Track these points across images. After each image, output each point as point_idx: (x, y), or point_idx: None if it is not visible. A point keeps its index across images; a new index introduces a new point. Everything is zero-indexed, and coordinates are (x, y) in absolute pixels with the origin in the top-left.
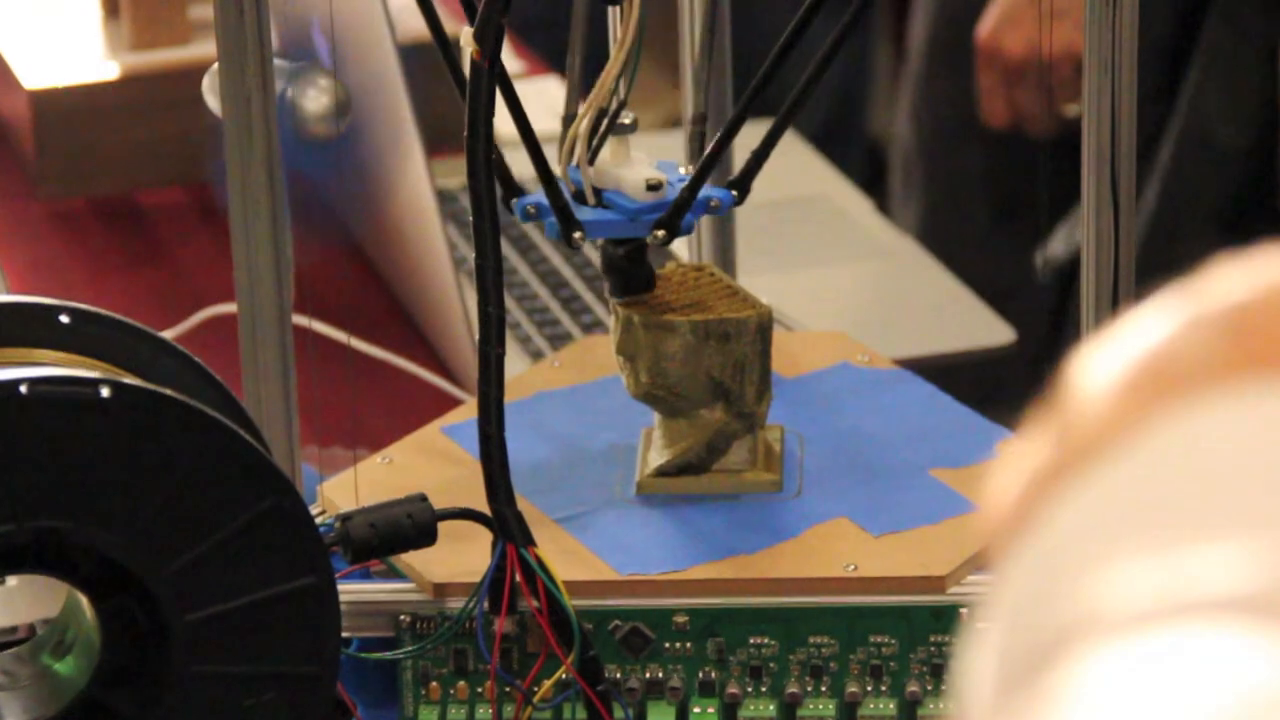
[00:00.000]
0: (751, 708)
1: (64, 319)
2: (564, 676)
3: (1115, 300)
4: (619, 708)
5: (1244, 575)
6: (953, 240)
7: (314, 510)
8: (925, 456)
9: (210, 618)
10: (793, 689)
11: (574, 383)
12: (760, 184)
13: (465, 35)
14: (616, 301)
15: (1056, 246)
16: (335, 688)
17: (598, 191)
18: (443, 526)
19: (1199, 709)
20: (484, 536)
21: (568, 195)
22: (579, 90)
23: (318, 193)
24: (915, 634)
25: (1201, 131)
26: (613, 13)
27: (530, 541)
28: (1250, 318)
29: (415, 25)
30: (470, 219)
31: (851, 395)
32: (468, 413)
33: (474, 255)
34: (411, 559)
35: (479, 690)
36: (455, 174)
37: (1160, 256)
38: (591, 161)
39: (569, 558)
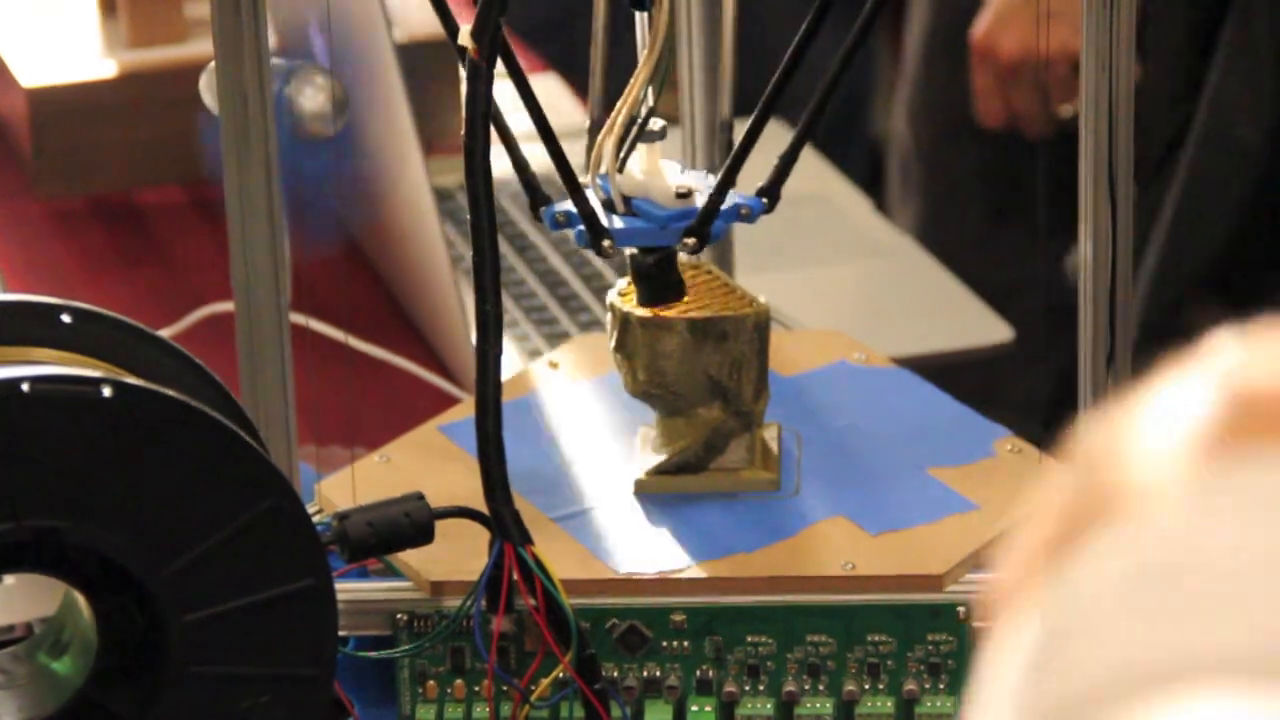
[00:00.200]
0: (749, 706)
1: (65, 318)
2: (561, 675)
3: (1113, 299)
4: (616, 706)
5: (1245, 639)
6: (950, 239)
7: (311, 509)
8: (923, 455)
9: (208, 618)
10: (790, 687)
11: (571, 381)
12: (758, 182)
13: (463, 34)
14: (614, 300)
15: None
16: (332, 690)
17: (626, 199)
18: (440, 525)
19: None
20: (481, 535)
21: (596, 203)
22: (601, 99)
23: (315, 191)
24: (913, 632)
25: (1222, 129)
26: (640, 18)
27: (528, 540)
28: (1261, 397)
29: (414, 25)
30: (468, 217)
31: (849, 394)
32: (465, 411)
33: (471, 254)
34: (409, 558)
35: (476, 689)
36: (452, 172)
37: (1182, 254)
38: (620, 169)
39: (566, 556)
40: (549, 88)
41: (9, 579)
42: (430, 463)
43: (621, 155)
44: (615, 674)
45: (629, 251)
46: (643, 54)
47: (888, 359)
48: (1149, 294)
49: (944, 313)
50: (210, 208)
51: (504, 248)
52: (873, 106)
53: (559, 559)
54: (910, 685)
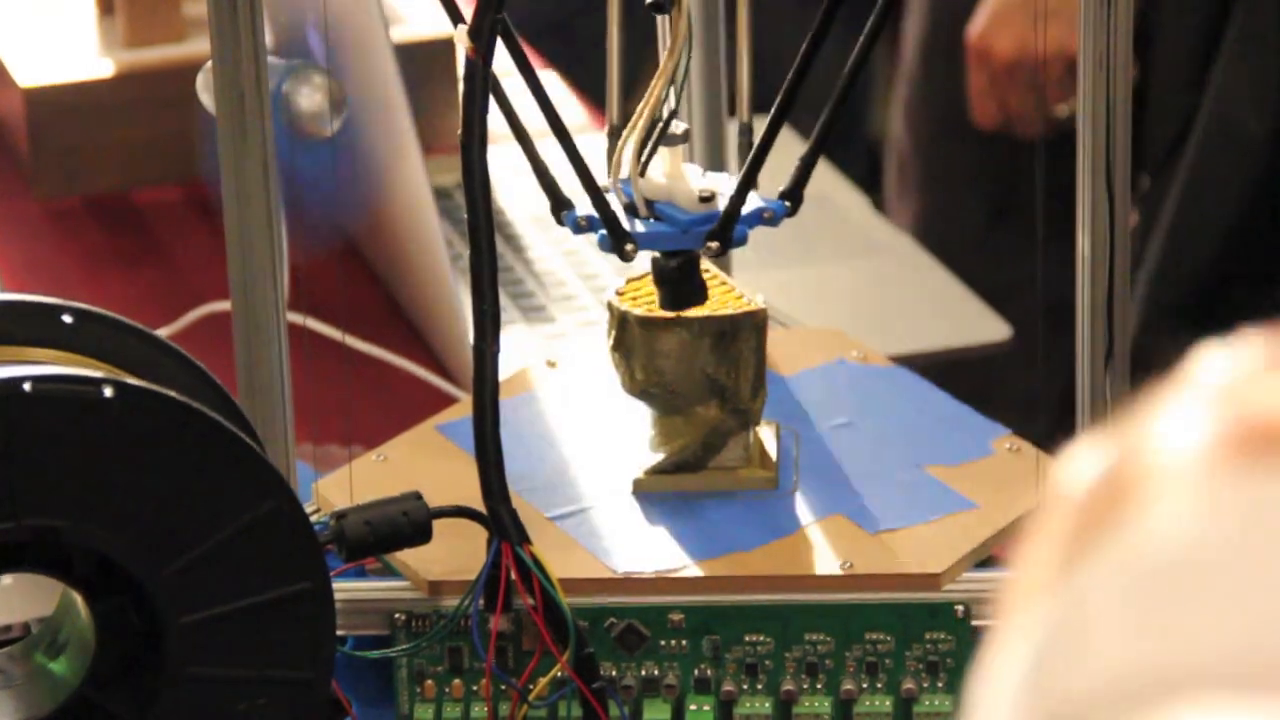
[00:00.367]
0: (747, 705)
1: (66, 319)
2: (559, 674)
3: (1111, 297)
4: (614, 705)
5: (1248, 648)
6: (949, 238)
7: (309, 508)
8: (921, 454)
9: (206, 620)
10: (788, 686)
11: (569, 381)
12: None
13: (460, 33)
14: (612, 299)
15: None
16: (329, 692)
17: (649, 203)
18: (438, 524)
19: None
20: (479, 534)
21: (618, 207)
22: (619, 103)
23: (313, 191)
24: (911, 631)
25: (1228, 119)
26: (661, 21)
27: (525, 539)
28: (1249, 408)
29: (413, 24)
30: (465, 217)
31: (847, 392)
32: (463, 410)
33: (469, 253)
34: (406, 557)
35: (474, 688)
36: (451, 172)
37: (1187, 246)
38: (642, 173)
39: (564, 555)
40: (550, 86)
41: (7, 579)
42: (428, 462)
43: (643, 159)
44: (613, 673)
45: (651, 255)
46: (663, 57)
47: (886, 357)
48: (1153, 286)
49: (942, 311)
50: (208, 207)
51: (501, 247)
52: (871, 106)
53: (557, 558)
54: (908, 684)
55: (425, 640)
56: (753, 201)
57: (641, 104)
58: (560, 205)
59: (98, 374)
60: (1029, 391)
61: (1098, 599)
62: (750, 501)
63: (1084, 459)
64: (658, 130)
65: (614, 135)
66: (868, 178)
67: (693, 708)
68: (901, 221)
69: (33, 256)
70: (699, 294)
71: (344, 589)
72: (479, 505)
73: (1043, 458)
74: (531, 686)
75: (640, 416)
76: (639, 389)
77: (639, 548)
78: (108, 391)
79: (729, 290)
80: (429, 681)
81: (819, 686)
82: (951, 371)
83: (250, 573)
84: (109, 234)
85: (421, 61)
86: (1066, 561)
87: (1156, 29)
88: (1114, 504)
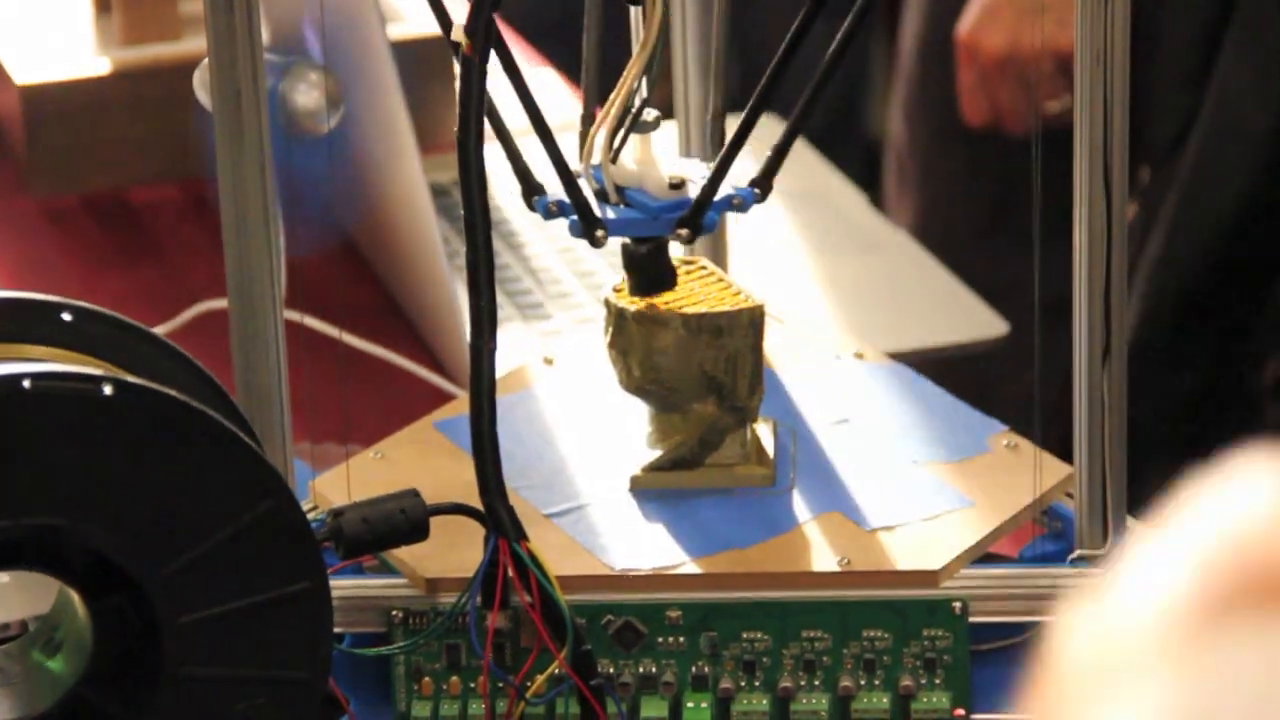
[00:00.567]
0: (745, 702)
1: (66, 316)
2: (557, 671)
3: (1108, 295)
4: (612, 703)
5: None
6: (946, 235)
7: (306, 505)
8: (918, 450)
9: (203, 620)
10: (786, 683)
11: (566, 377)
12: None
13: (456, 30)
14: (609, 296)
15: None
16: (326, 693)
17: (620, 190)
18: (435, 522)
19: None
20: (477, 531)
21: (589, 194)
22: (595, 90)
23: (310, 188)
24: (908, 628)
25: (1231, 113)
26: (635, 12)
27: (522, 536)
28: (1246, 557)
29: (410, 22)
30: (462, 214)
31: (844, 389)
32: (460, 407)
33: (465, 250)
34: (404, 554)
35: (472, 685)
36: (448, 169)
37: (1188, 239)
38: (614, 160)
39: (562, 552)
40: (548, 83)
41: (4, 576)
42: (425, 459)
43: (615, 146)
44: (611, 670)
45: (622, 242)
46: (636, 46)
47: (883, 354)
48: (1154, 279)
49: (940, 308)
50: (205, 205)
51: (498, 244)
52: (869, 103)
53: (554, 555)
54: (906, 681)
55: (423, 637)
56: (723, 189)
57: (614, 92)
58: (532, 190)
59: (98, 372)
60: (1026, 388)
61: None
62: (747, 498)
63: (1077, 627)
64: (629, 118)
65: (587, 122)
66: (866, 175)
67: (690, 705)
68: (900, 219)
69: (29, 254)
70: (668, 280)
71: (341, 586)
72: (476, 502)
73: (1040, 454)
74: (529, 684)
75: (637, 414)
76: (636, 386)
77: (636, 545)
78: (107, 390)
79: (726, 287)
80: (426, 679)
81: (816, 683)
82: (949, 368)
83: (248, 573)
84: (106, 232)
85: (419, 59)
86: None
87: (1160, 22)
88: (1105, 683)
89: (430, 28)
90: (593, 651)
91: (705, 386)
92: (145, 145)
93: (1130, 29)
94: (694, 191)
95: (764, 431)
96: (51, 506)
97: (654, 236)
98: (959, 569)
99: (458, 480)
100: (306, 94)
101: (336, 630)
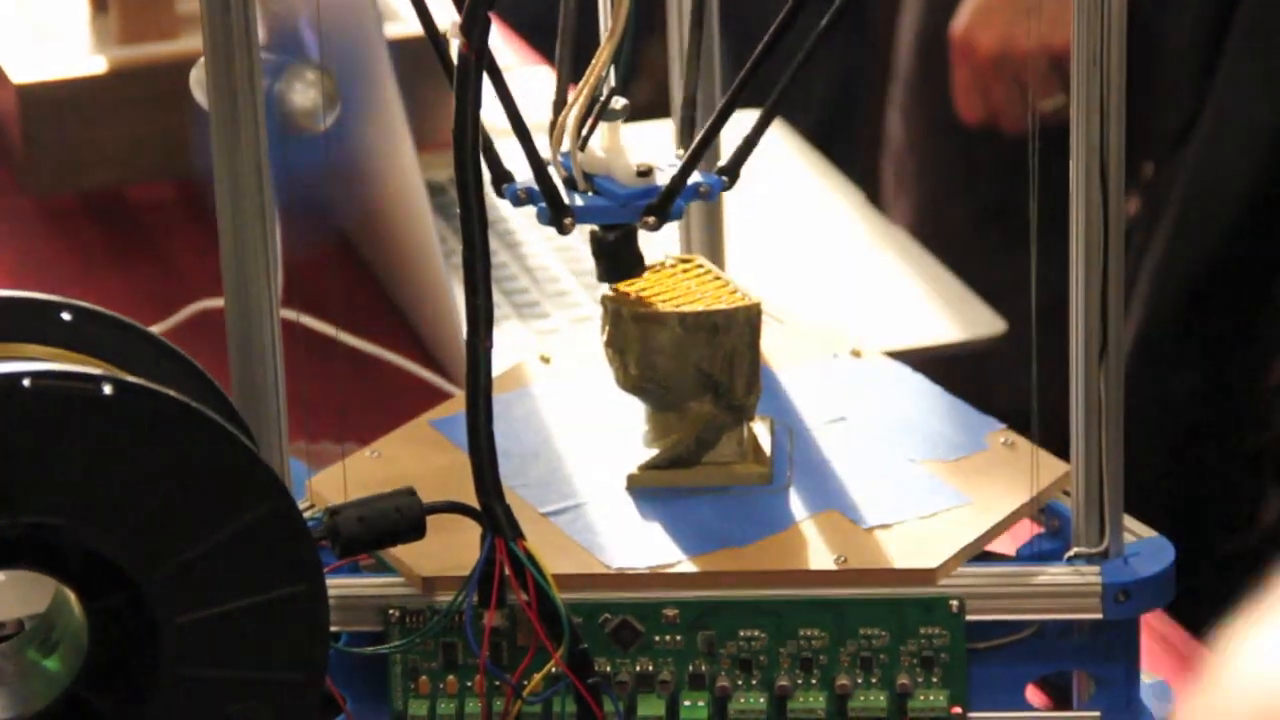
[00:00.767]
0: (742, 701)
1: (65, 316)
2: (553, 670)
3: (1105, 293)
4: (609, 701)
5: None
6: (944, 233)
7: (303, 504)
8: (915, 448)
9: (200, 621)
10: (783, 682)
11: (562, 376)
12: (751, 175)
13: (452, 27)
14: (606, 294)
15: None
16: (321, 695)
17: (588, 177)
18: (432, 520)
19: None
20: (473, 530)
21: (558, 181)
22: (569, 77)
23: (307, 187)
24: (905, 626)
25: (1236, 109)
26: (603, 2)
27: (519, 535)
28: None
29: (407, 21)
30: (458, 212)
31: (841, 387)
32: (456, 406)
33: (462, 248)
34: (400, 553)
35: (468, 684)
36: (445, 167)
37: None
38: (582, 148)
39: (558, 551)
40: (545, 80)
41: (0, 575)
42: (422, 457)
43: (583, 133)
44: (608, 669)
45: (590, 229)
46: (604, 34)
47: (880, 352)
48: (1158, 275)
49: (937, 306)
50: (201, 203)
51: (495, 243)
52: (866, 101)
53: (551, 554)
54: (903, 679)
55: (419, 636)
56: (690, 177)
57: (583, 81)
58: (501, 178)
59: (98, 372)
60: (1024, 386)
61: None
62: (744, 497)
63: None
64: (598, 106)
65: (558, 110)
66: (863, 172)
67: (687, 703)
68: (897, 217)
69: (26, 253)
70: (635, 267)
71: (338, 585)
72: (473, 501)
73: (1038, 452)
74: (526, 682)
75: (634, 412)
76: (633, 384)
77: (633, 543)
78: (107, 389)
79: (723, 285)
80: (423, 677)
81: (813, 682)
82: (946, 366)
83: (245, 575)
84: (102, 230)
85: (415, 57)
86: None
87: (1164, 17)
88: None
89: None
90: (589, 650)
91: (702, 385)
92: (142, 144)
93: (1130, 26)
94: (663, 180)
95: (761, 430)
96: (49, 505)
97: (622, 224)
98: (956, 567)
99: (454, 479)
100: (303, 93)
101: (333, 629)
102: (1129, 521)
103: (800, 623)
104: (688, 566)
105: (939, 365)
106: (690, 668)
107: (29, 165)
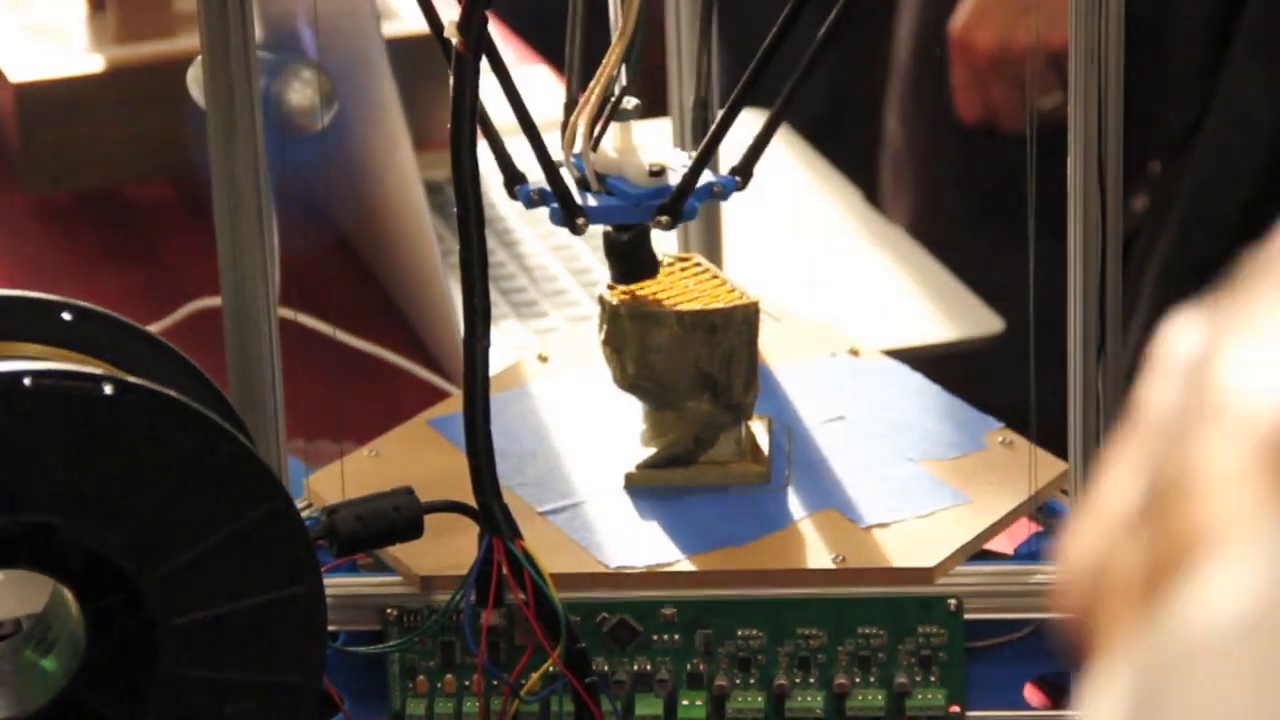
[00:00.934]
0: (740, 700)
1: (66, 316)
2: (551, 669)
3: (1103, 292)
4: (606, 700)
5: None
6: (942, 231)
7: (300, 503)
8: (914, 447)
9: (198, 622)
10: (781, 681)
11: (560, 375)
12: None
13: (450, 26)
14: (604, 293)
15: None
16: (319, 697)
17: (601, 177)
18: (429, 519)
19: None
20: (471, 529)
21: (570, 182)
22: (578, 77)
23: (304, 186)
24: (904, 625)
25: (1241, 108)
26: (613, 1)
27: (517, 534)
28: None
29: (405, 19)
30: (456, 211)
31: (839, 386)
32: (454, 405)
33: (459, 247)
34: (398, 552)
35: (466, 683)
36: (443, 167)
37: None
38: (594, 148)
39: (556, 550)
40: (542, 79)
41: None
42: (419, 457)
43: (595, 134)
44: (605, 668)
45: (603, 230)
46: (615, 34)
47: (879, 351)
48: (1164, 273)
49: (936, 305)
50: (198, 203)
51: (492, 241)
52: (864, 100)
53: (548, 553)
54: (901, 678)
55: (417, 635)
56: (703, 177)
57: (594, 80)
58: (514, 179)
59: (98, 371)
60: (1022, 385)
61: (1192, 651)
62: (742, 496)
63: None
64: (610, 106)
65: (570, 110)
66: (862, 171)
67: (685, 703)
68: (895, 215)
69: (23, 252)
70: (650, 268)
71: (336, 584)
72: (470, 500)
73: (1036, 451)
74: (523, 681)
75: (632, 411)
76: (630, 383)
77: (631, 542)
78: (108, 389)
79: (721, 284)
80: (421, 677)
81: (811, 681)
82: (945, 365)
83: (243, 576)
84: (99, 230)
85: (413, 56)
86: (1148, 598)
87: (1170, 14)
88: (1190, 534)
89: (425, 25)
90: (587, 649)
91: (700, 384)
92: (139, 143)
93: (1137, 24)
94: (675, 179)
95: (759, 429)
96: (48, 505)
97: (635, 224)
98: (954, 566)
99: (452, 478)
100: (300, 91)
101: (331, 628)
102: None
103: (798, 622)
104: (686, 565)
105: (937, 364)
106: (688, 667)
107: (26, 164)
